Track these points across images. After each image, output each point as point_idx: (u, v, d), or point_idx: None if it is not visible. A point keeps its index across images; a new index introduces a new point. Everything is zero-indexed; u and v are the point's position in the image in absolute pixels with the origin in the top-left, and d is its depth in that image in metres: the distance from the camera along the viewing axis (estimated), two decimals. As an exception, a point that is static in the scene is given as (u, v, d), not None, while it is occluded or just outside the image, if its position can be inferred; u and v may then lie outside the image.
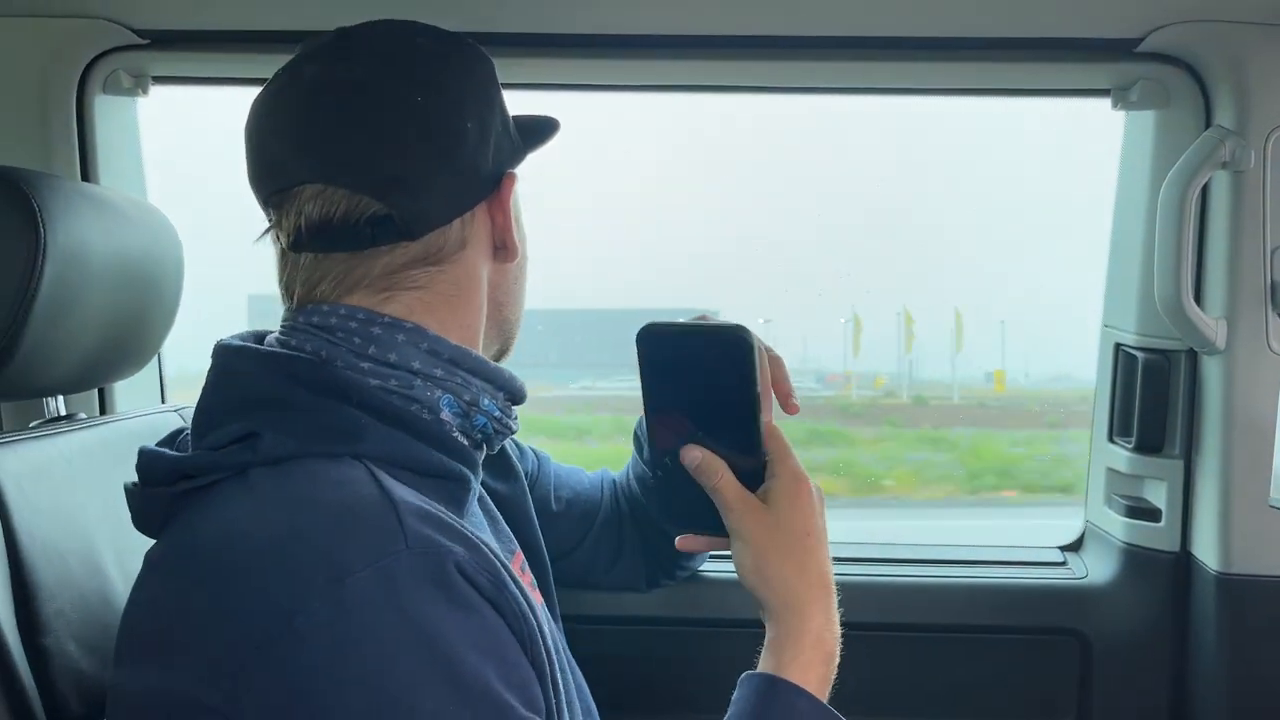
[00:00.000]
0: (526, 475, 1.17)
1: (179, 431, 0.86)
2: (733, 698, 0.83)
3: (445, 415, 0.82)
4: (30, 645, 0.89)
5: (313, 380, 0.78)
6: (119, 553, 1.03)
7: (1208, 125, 1.33)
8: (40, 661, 0.90)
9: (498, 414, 0.86)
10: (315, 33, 1.22)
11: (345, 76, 0.83)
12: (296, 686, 0.64)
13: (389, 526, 0.68)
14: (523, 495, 1.12)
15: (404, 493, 0.73)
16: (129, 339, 1.14)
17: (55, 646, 0.91)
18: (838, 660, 0.86)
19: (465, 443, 0.84)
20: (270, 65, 1.30)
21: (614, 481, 1.29)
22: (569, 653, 1.01)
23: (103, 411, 1.42)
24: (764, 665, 0.84)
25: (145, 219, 1.15)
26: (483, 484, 1.02)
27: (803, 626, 0.84)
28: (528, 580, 1.00)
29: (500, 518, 1.04)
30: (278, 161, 0.83)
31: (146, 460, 0.80)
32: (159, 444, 0.83)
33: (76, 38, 1.31)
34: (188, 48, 1.35)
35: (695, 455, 0.86)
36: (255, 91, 0.88)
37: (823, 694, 0.83)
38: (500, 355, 0.97)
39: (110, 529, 1.03)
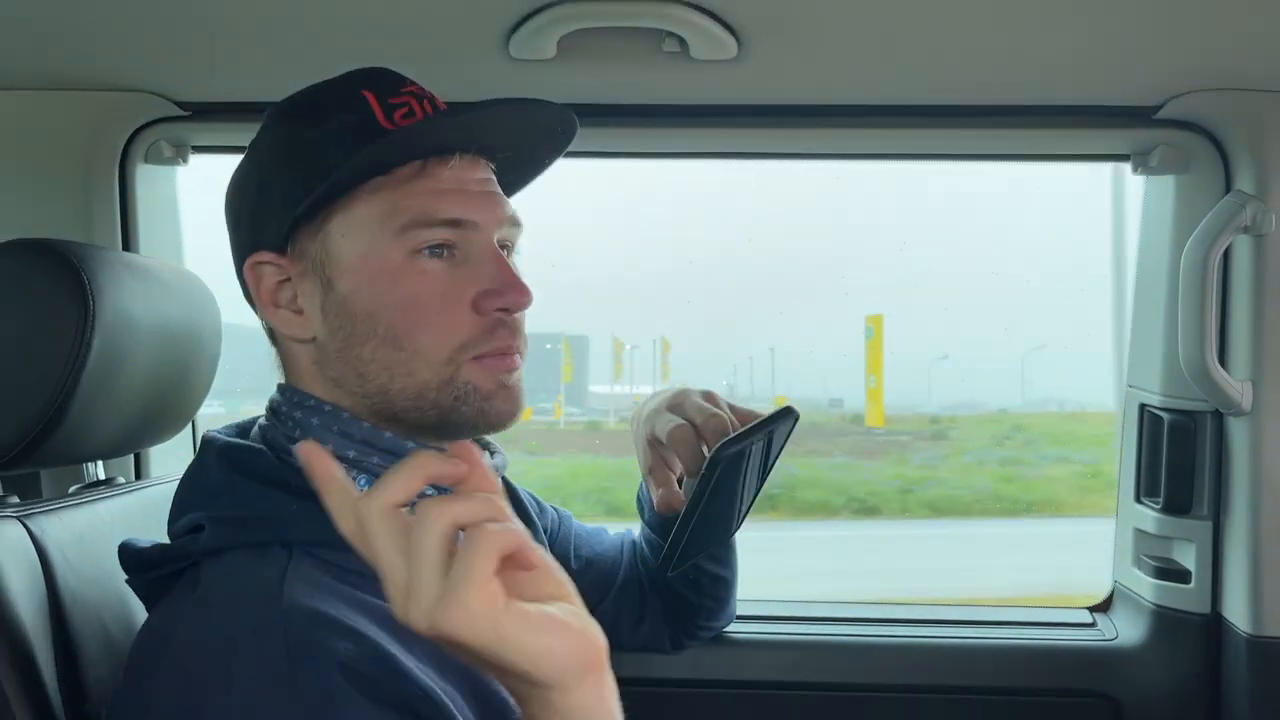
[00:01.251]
0: (546, 531, 1.18)
1: None
2: None
3: None
4: (74, 714, 0.91)
5: (251, 470, 0.84)
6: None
7: (1227, 189, 1.35)
8: None
9: (431, 492, 0.83)
10: None
11: None
12: None
13: (274, 634, 0.71)
14: (541, 545, 1.12)
15: (305, 593, 0.74)
16: (169, 404, 1.16)
17: (93, 712, 0.93)
18: None
19: None
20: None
21: (634, 543, 1.30)
22: None
23: (138, 474, 1.44)
24: None
25: (186, 286, 1.17)
26: None
27: None
28: None
29: None
30: None
31: (121, 552, 0.87)
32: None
33: (121, 110, 1.35)
34: (227, 118, 1.39)
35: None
36: None
37: None
38: (436, 432, 0.87)
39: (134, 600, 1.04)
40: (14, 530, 0.92)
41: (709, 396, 1.09)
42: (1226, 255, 1.35)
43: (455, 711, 0.75)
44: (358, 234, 0.85)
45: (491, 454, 0.98)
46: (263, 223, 0.88)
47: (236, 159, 1.45)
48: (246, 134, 1.39)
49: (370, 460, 0.85)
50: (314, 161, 0.84)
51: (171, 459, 1.50)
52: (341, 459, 0.82)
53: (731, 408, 1.06)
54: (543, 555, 0.62)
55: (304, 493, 0.78)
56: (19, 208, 1.36)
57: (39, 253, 0.98)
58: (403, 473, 0.60)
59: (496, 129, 0.89)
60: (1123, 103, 1.33)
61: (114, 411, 1.05)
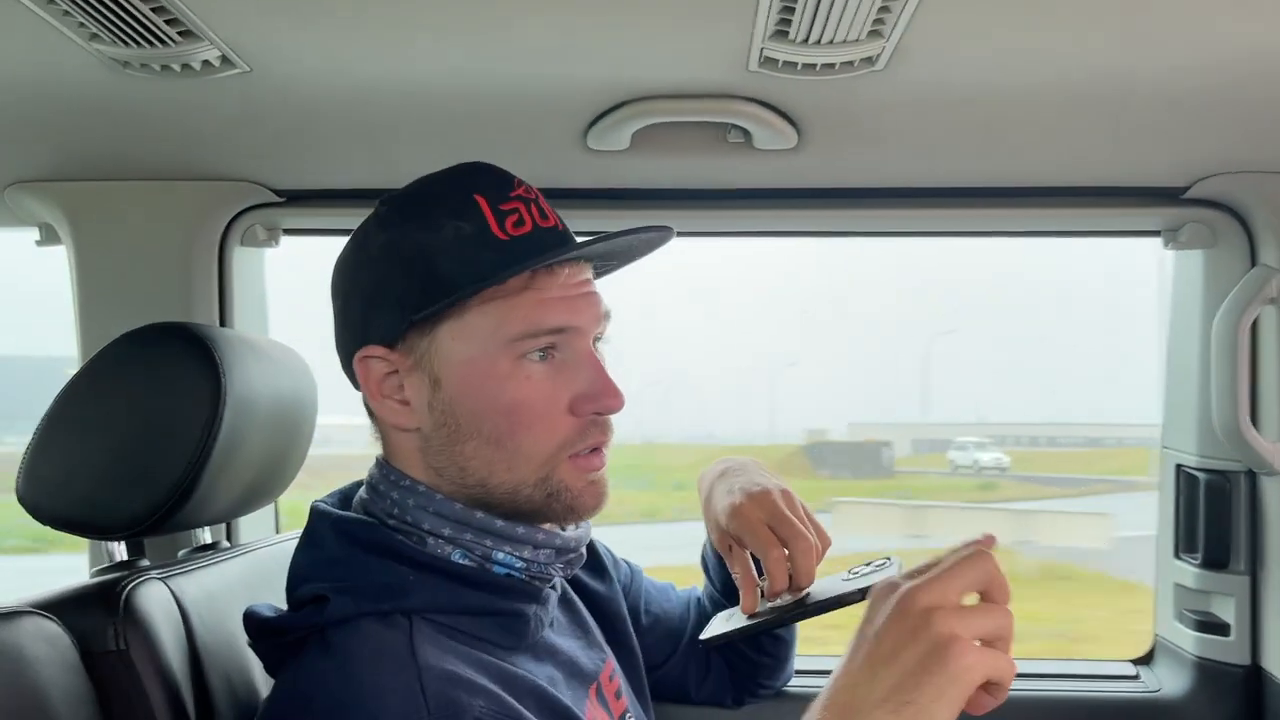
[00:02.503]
0: (619, 584, 1.23)
1: None
2: None
3: (462, 563, 0.91)
4: None
5: (366, 541, 0.91)
6: (265, 674, 1.12)
7: (1253, 263, 1.44)
8: None
9: (520, 564, 0.92)
10: None
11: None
12: None
13: (414, 693, 0.78)
14: (617, 597, 1.18)
15: (435, 655, 0.82)
16: (275, 473, 1.25)
17: None
18: None
19: (511, 581, 0.92)
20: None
21: (699, 599, 1.35)
22: None
23: (229, 536, 1.52)
24: None
25: (290, 361, 1.26)
26: (580, 585, 1.13)
27: None
28: (613, 689, 1.06)
29: (594, 627, 1.10)
30: None
31: (246, 619, 0.94)
32: None
33: (222, 197, 1.45)
34: (318, 204, 1.49)
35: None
36: None
37: None
38: (536, 517, 0.94)
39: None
40: (160, 590, 1.00)
41: (792, 504, 1.11)
42: (1255, 324, 1.44)
43: None
44: (468, 339, 0.90)
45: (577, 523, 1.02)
46: (375, 319, 0.92)
47: (321, 240, 1.59)
48: (334, 218, 1.52)
49: (463, 537, 0.92)
50: (431, 269, 0.89)
51: (255, 523, 1.58)
52: (436, 536, 0.91)
53: (812, 526, 1.10)
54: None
55: (416, 563, 0.89)
56: (126, 290, 1.45)
57: (175, 335, 1.08)
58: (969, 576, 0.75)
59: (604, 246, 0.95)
60: (1154, 184, 1.43)
61: (234, 480, 1.14)
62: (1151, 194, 1.44)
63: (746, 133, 1.27)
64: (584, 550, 1.00)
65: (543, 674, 0.91)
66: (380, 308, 0.92)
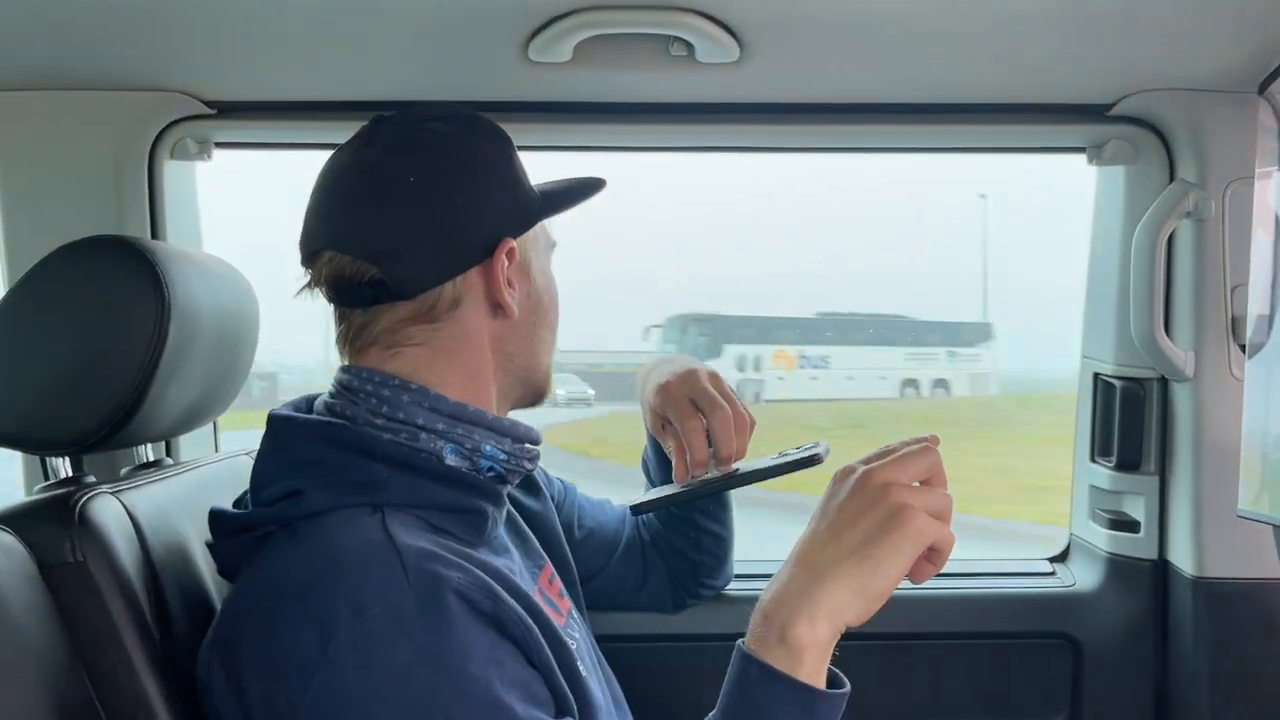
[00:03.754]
0: (553, 500, 1.30)
1: (245, 494, 1.02)
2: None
3: (451, 460, 0.96)
4: (165, 659, 0.98)
5: (342, 441, 0.94)
6: (217, 584, 1.13)
7: (1172, 179, 1.50)
8: (177, 698, 0.97)
9: (503, 456, 0.99)
10: (361, 104, 1.37)
11: (359, 160, 1.00)
12: (334, 703, 0.80)
13: (394, 567, 0.83)
14: (551, 513, 1.25)
15: (408, 535, 0.87)
16: (218, 389, 1.24)
17: (181, 661, 1.00)
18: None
19: (480, 480, 0.98)
20: (322, 132, 1.44)
21: None
22: (596, 649, 1.15)
23: (168, 453, 1.51)
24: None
25: (232, 279, 1.25)
26: (516, 502, 1.18)
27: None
28: (555, 589, 1.14)
29: (531, 537, 1.16)
30: (310, 230, 1.01)
31: (213, 518, 0.97)
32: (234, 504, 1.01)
33: (151, 109, 1.41)
34: (251, 116, 1.46)
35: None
36: (306, 155, 1.11)
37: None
38: (533, 400, 1.10)
39: (210, 568, 1.12)
40: (113, 504, 1.00)
41: (716, 382, 1.22)
42: (1171, 237, 1.50)
43: (540, 637, 0.88)
44: (539, 244, 1.08)
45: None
46: (508, 217, 1.02)
47: (255, 154, 1.56)
48: (269, 131, 1.49)
49: (456, 431, 0.97)
50: (529, 183, 1.06)
51: (195, 442, 1.57)
52: (430, 431, 0.96)
53: (731, 401, 1.20)
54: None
55: (391, 461, 0.93)
56: (52, 202, 1.41)
57: (116, 248, 1.06)
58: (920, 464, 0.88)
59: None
60: (1080, 101, 1.48)
61: (178, 397, 1.13)
62: (1078, 111, 1.49)
63: (689, 46, 1.27)
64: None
65: (501, 564, 0.95)
66: (506, 205, 1.02)
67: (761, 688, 0.84)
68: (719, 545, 1.38)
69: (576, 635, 1.08)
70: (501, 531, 1.05)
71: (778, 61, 1.33)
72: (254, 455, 1.35)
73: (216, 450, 1.60)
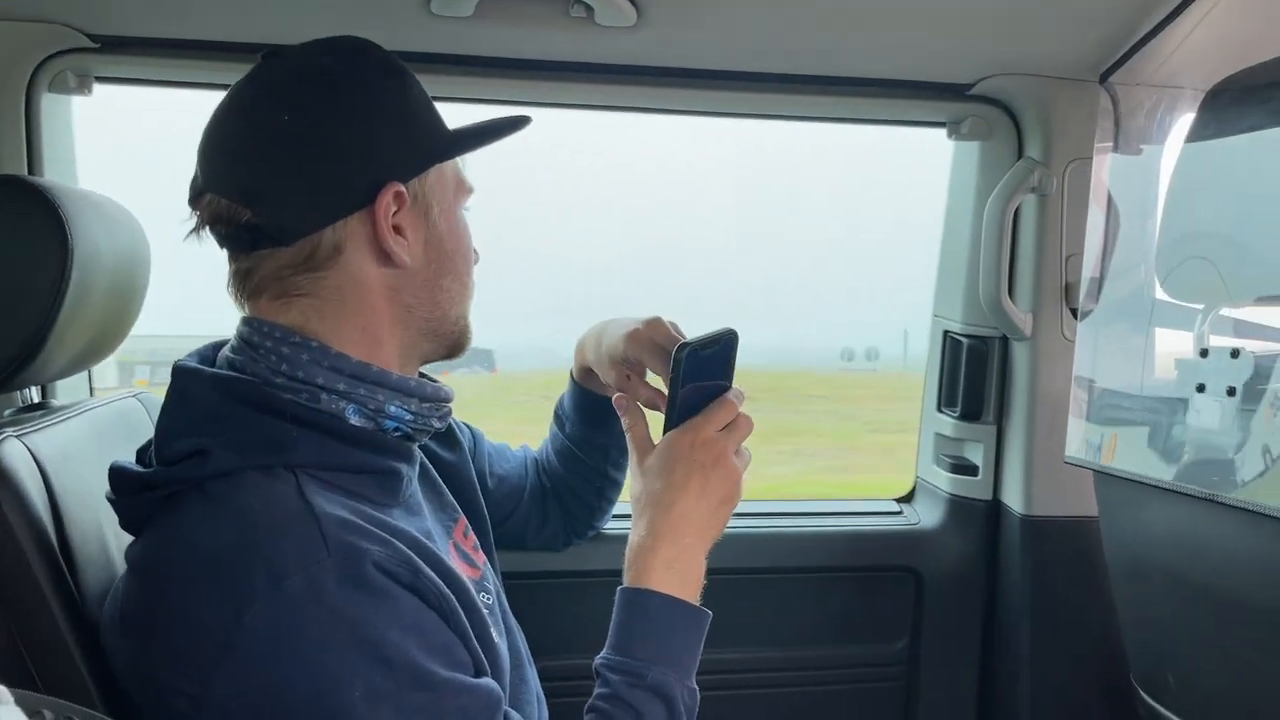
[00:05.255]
0: (468, 449, 1.31)
1: (148, 444, 0.98)
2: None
3: (355, 421, 0.93)
4: (74, 615, 0.97)
5: (248, 397, 0.91)
6: (116, 533, 1.13)
7: (1020, 156, 1.65)
8: (85, 632, 0.98)
9: (409, 417, 0.97)
10: (247, 45, 1.35)
11: (239, 98, 0.96)
12: (251, 672, 0.79)
13: (313, 536, 0.82)
14: (466, 464, 1.26)
15: (326, 504, 0.85)
16: (111, 331, 1.23)
17: (90, 610, 1.01)
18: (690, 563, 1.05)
19: (390, 440, 0.96)
20: (212, 72, 1.42)
21: (535, 459, 1.45)
22: (506, 606, 1.17)
23: (44, 396, 1.47)
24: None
25: (126, 220, 1.23)
26: (431, 454, 1.19)
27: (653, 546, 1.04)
28: (470, 543, 1.15)
29: (445, 490, 1.16)
30: (196, 171, 0.97)
31: (115, 475, 0.94)
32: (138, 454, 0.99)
33: (31, 40, 1.35)
34: (135, 52, 1.42)
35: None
36: (189, 94, 1.12)
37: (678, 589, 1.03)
38: (448, 353, 1.05)
39: (107, 510, 1.13)
40: (19, 447, 0.99)
41: (676, 328, 1.22)
42: (1017, 210, 1.65)
43: (458, 606, 0.90)
44: (444, 185, 1.00)
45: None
46: (398, 156, 0.95)
47: (138, 90, 1.52)
48: (152, 68, 1.45)
49: (358, 392, 0.94)
50: (433, 114, 1.00)
51: (70, 385, 1.54)
52: (330, 391, 0.93)
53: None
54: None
55: (299, 420, 0.91)
56: None
57: (18, 189, 1.04)
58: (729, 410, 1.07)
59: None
60: (944, 80, 1.60)
61: (77, 338, 1.12)
62: (941, 89, 1.61)
63: (588, 8, 1.31)
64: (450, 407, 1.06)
65: (417, 528, 0.95)
66: (398, 145, 0.96)
67: (660, 612, 0.99)
68: (616, 491, 1.45)
69: (491, 589, 1.09)
70: (415, 489, 1.03)
71: (671, 28, 1.39)
72: (139, 398, 1.36)
73: (91, 393, 1.57)
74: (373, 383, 0.94)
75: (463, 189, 1.04)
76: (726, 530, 1.09)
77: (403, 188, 0.95)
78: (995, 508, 1.78)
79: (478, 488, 1.26)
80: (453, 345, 1.05)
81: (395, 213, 0.95)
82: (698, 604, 1.04)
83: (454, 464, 1.23)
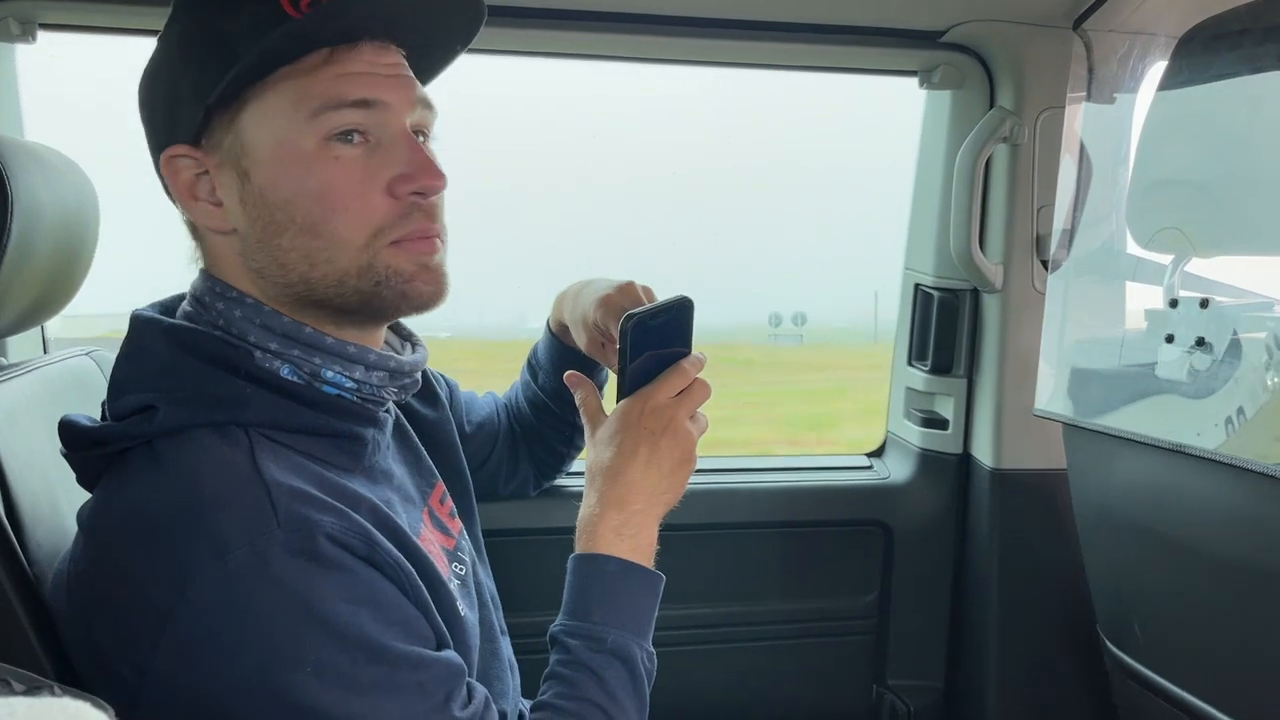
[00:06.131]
0: (446, 401, 1.27)
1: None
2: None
3: (290, 378, 0.88)
4: (18, 576, 0.96)
5: (202, 351, 0.86)
6: (68, 493, 1.10)
7: (991, 105, 1.62)
8: (31, 594, 0.97)
9: (350, 384, 0.91)
10: None
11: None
12: (195, 647, 0.75)
13: (263, 507, 0.77)
14: (447, 422, 1.22)
15: (279, 471, 0.80)
16: (60, 286, 1.19)
17: (36, 571, 0.99)
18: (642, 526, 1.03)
19: (353, 404, 0.91)
20: (154, 19, 1.36)
21: (505, 405, 1.43)
22: (482, 577, 1.14)
23: (-4, 355, 1.44)
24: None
25: (72, 174, 1.19)
26: (411, 412, 1.15)
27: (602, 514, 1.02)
28: (447, 510, 1.11)
29: (424, 452, 1.11)
30: None
31: (64, 429, 0.89)
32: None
33: None
34: None
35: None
36: (135, 41, 1.05)
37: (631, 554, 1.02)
38: (359, 315, 0.91)
39: (60, 469, 1.10)
40: None
41: (649, 293, 1.19)
42: (988, 161, 1.63)
43: (418, 578, 0.86)
44: (270, 123, 0.84)
45: (414, 347, 1.05)
46: (176, 116, 0.87)
47: (84, 38, 1.47)
48: (99, 14, 1.40)
49: (291, 353, 0.88)
50: (225, 52, 0.82)
51: (22, 343, 1.50)
52: (263, 349, 0.88)
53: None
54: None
55: (253, 378, 0.87)
56: None
57: None
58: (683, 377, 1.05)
59: (402, 13, 0.88)
60: (915, 27, 1.57)
61: (22, 294, 1.08)
62: (912, 36, 1.58)
63: None
64: (419, 376, 1.01)
65: (379, 496, 0.91)
66: (180, 104, 0.86)
67: (615, 577, 0.99)
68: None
69: (466, 559, 1.06)
70: (382, 456, 0.98)
71: None
72: (93, 355, 1.32)
73: (45, 351, 1.54)
74: (306, 344, 0.89)
75: (313, 132, 0.84)
76: (694, 486, 1.08)
77: (185, 149, 0.87)
78: (965, 461, 1.77)
79: (460, 448, 1.22)
80: (348, 308, 0.89)
81: (201, 175, 0.88)
82: (651, 568, 1.03)
83: (435, 422, 1.19)
